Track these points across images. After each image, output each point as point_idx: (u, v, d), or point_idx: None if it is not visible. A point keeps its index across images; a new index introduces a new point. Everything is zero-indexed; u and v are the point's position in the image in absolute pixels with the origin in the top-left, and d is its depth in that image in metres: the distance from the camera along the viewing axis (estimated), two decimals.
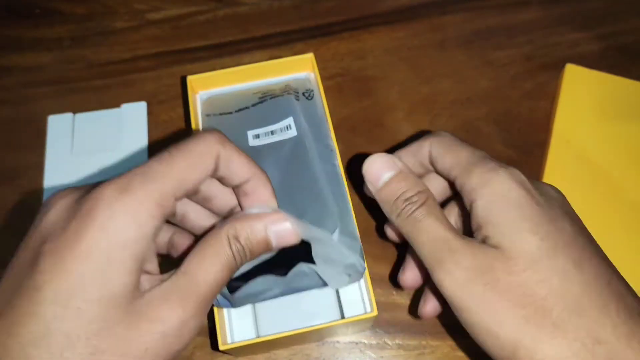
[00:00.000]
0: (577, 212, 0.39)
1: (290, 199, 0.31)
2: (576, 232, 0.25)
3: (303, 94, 0.37)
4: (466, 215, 0.28)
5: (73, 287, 0.19)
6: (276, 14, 0.49)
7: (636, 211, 0.39)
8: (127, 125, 0.44)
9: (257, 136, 0.35)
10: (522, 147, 0.42)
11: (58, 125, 0.44)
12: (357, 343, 0.36)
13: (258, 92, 0.38)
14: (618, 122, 0.41)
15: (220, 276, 0.22)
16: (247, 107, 0.37)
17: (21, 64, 0.47)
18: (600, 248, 0.26)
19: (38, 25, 0.49)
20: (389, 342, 0.36)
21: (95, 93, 0.46)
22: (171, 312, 0.21)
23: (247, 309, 0.33)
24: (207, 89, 0.38)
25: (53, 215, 0.21)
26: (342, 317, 0.32)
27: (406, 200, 0.26)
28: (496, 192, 0.25)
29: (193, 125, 0.36)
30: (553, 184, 0.39)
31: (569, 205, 0.27)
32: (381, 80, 0.46)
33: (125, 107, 0.44)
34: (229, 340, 0.31)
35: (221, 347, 0.29)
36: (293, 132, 0.35)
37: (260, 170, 0.25)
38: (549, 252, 0.24)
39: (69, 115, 0.44)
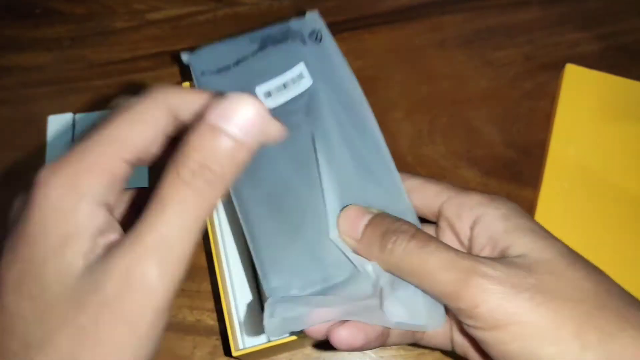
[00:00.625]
0: (576, 212, 0.39)
1: (351, 187, 0.27)
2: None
3: (309, 36, 0.32)
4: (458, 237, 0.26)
5: (24, 273, 0.18)
6: (276, 14, 0.49)
7: (636, 211, 0.39)
8: None
9: (269, 94, 0.30)
10: (522, 147, 0.42)
11: (58, 125, 0.44)
12: None
13: (255, 39, 0.32)
14: (618, 122, 0.41)
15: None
16: (246, 58, 0.31)
17: (21, 64, 0.47)
18: None
19: (38, 25, 0.49)
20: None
21: (95, 93, 0.46)
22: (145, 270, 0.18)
23: (256, 312, 0.32)
24: None
25: (15, 209, 0.21)
26: None
27: (394, 232, 0.23)
28: (506, 206, 0.25)
29: None
30: (553, 184, 0.40)
31: None
32: (381, 80, 0.46)
33: None
34: (240, 346, 0.31)
35: (234, 353, 0.29)
36: (307, 82, 0.30)
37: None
38: (576, 255, 0.23)
39: (69, 115, 0.44)
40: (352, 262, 0.25)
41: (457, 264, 0.22)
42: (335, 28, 0.48)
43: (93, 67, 0.47)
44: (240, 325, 0.32)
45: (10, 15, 0.50)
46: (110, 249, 0.18)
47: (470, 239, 0.25)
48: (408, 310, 0.23)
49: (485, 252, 0.24)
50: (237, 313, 0.32)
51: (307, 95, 0.29)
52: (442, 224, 0.26)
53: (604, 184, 0.39)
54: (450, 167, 0.42)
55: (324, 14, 0.48)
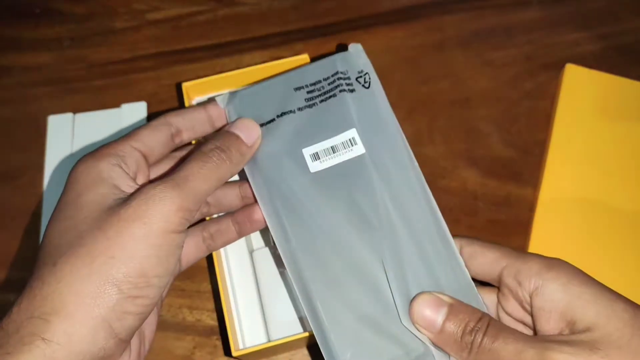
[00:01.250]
0: (577, 212, 0.39)
1: (396, 263, 0.26)
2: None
3: (357, 79, 0.30)
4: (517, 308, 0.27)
5: (64, 205, 0.25)
6: (276, 14, 0.49)
7: (636, 211, 0.39)
8: (127, 125, 0.44)
9: (317, 156, 0.29)
10: (522, 147, 0.42)
11: (58, 125, 0.44)
12: None
13: (301, 88, 0.30)
14: (618, 122, 0.41)
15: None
16: (291, 112, 0.30)
17: (21, 64, 0.47)
18: None
19: (38, 25, 0.49)
20: None
21: (95, 93, 0.46)
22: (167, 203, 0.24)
23: (257, 313, 0.32)
24: (204, 94, 0.38)
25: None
26: None
27: (471, 331, 0.24)
28: (566, 273, 0.24)
29: None
30: (553, 184, 0.39)
31: None
32: (381, 80, 0.45)
33: (125, 107, 0.44)
34: (240, 346, 0.31)
35: (234, 353, 0.29)
36: (360, 149, 0.28)
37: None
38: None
39: (69, 115, 0.44)
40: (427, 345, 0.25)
41: (526, 355, 0.22)
42: (335, 28, 0.48)
43: (93, 67, 0.47)
44: (240, 325, 0.32)
45: (10, 15, 0.50)
46: (142, 187, 0.25)
47: (533, 309, 0.25)
48: None
49: (552, 326, 0.24)
50: (237, 313, 0.32)
51: (364, 159, 0.28)
52: (504, 289, 0.27)
53: (604, 184, 0.39)
54: (450, 167, 0.42)
55: (324, 14, 0.49)
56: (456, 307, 0.25)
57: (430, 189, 0.28)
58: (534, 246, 0.38)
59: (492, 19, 0.48)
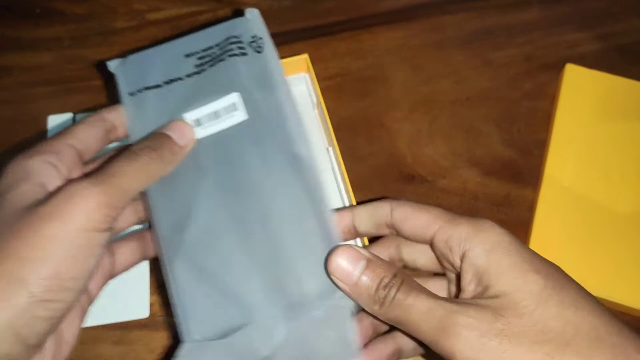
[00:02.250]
0: (577, 212, 0.39)
1: (254, 231, 0.28)
2: (565, 273, 0.25)
3: (250, 43, 0.30)
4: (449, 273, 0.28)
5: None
6: (276, 14, 0.49)
7: (636, 210, 0.39)
8: None
9: (199, 122, 0.29)
10: (522, 147, 0.42)
11: (58, 125, 0.44)
12: None
13: (192, 54, 0.31)
14: (618, 122, 0.41)
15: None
16: (179, 79, 0.30)
17: (21, 64, 0.47)
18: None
19: (38, 25, 0.49)
20: None
21: (95, 93, 0.46)
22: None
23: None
24: None
25: None
26: None
27: (385, 286, 0.25)
28: (490, 240, 0.25)
29: None
30: (553, 184, 0.40)
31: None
32: (381, 80, 0.46)
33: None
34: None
35: None
36: (241, 115, 0.29)
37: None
38: (555, 289, 0.23)
39: (69, 115, 0.44)
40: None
41: (434, 314, 0.23)
42: (335, 28, 0.48)
43: (93, 67, 0.47)
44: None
45: (10, 15, 0.50)
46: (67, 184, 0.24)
47: (460, 272, 0.26)
48: None
49: (470, 290, 0.25)
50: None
51: (246, 125, 0.29)
52: (438, 254, 0.27)
53: (604, 183, 0.39)
54: (450, 167, 0.42)
55: (324, 14, 0.49)
56: (374, 262, 0.25)
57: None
58: (534, 246, 0.38)
59: (492, 19, 0.48)
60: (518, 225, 0.39)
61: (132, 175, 0.26)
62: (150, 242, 0.30)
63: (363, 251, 0.26)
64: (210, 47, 0.31)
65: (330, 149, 0.36)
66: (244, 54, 0.30)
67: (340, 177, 0.34)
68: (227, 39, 0.30)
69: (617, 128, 0.41)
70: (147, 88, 0.30)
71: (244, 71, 0.30)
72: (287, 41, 0.47)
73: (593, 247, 0.38)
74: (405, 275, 0.25)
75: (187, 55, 0.30)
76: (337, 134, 0.35)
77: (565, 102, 0.42)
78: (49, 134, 0.43)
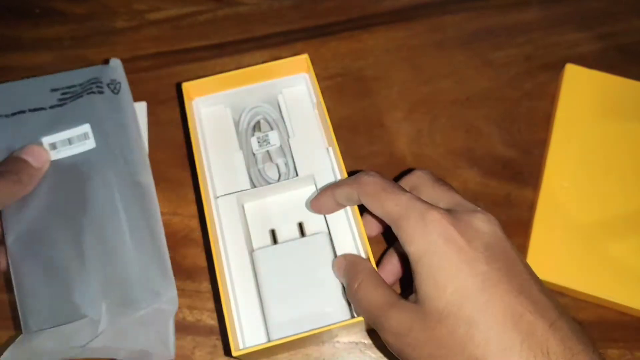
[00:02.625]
0: (577, 212, 0.39)
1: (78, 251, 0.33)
2: (493, 270, 0.25)
3: (108, 85, 0.36)
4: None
5: None
6: (276, 14, 0.49)
7: (636, 210, 0.39)
8: None
9: (54, 146, 0.35)
10: (522, 147, 0.42)
11: None
12: (357, 343, 0.36)
13: (58, 89, 0.37)
14: (618, 122, 0.41)
15: None
16: (43, 109, 0.36)
17: (21, 64, 0.47)
18: (526, 277, 0.26)
19: (38, 25, 0.49)
20: None
21: None
22: None
23: (256, 313, 0.32)
24: (203, 94, 0.38)
25: None
26: (353, 316, 0.32)
27: (349, 282, 0.30)
28: (422, 245, 0.26)
29: (191, 133, 0.35)
30: (553, 184, 0.39)
31: (500, 235, 0.27)
32: (381, 80, 0.46)
33: None
34: (240, 346, 0.31)
35: (234, 353, 0.29)
36: (91, 144, 0.35)
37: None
38: (455, 305, 0.24)
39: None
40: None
41: (374, 312, 0.27)
42: (335, 28, 0.48)
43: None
44: (240, 325, 0.32)
45: (10, 15, 0.50)
46: None
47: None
48: None
49: (414, 286, 0.27)
50: (238, 313, 0.32)
51: (90, 158, 0.35)
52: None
53: (604, 184, 0.39)
54: (450, 167, 0.42)
55: (324, 14, 0.49)
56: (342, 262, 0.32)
57: None
58: (533, 246, 0.38)
59: (492, 19, 0.48)
60: (518, 225, 0.39)
61: None
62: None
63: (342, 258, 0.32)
64: (74, 85, 0.37)
65: (330, 148, 0.36)
66: (101, 93, 0.37)
67: (340, 176, 0.35)
68: (89, 80, 0.37)
69: (617, 128, 0.41)
70: (13, 113, 0.36)
71: (99, 107, 0.36)
72: (287, 41, 0.47)
73: (593, 247, 0.38)
74: (367, 270, 0.30)
75: (53, 90, 0.37)
76: (337, 133, 0.35)
77: (565, 102, 0.42)
78: None
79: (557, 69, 0.45)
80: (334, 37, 0.48)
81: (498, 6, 0.48)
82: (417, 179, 0.31)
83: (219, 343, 0.37)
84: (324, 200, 0.32)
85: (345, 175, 0.33)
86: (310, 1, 0.49)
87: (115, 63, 0.39)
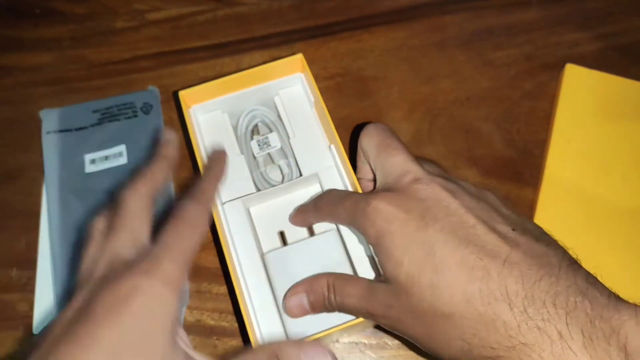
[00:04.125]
0: (577, 212, 0.39)
1: None
2: (437, 232, 0.26)
3: (141, 108, 0.43)
4: None
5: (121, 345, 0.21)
6: (276, 14, 0.49)
7: (636, 211, 0.39)
8: None
9: (93, 161, 0.41)
10: (522, 147, 0.42)
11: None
12: (357, 343, 0.36)
13: (97, 111, 0.43)
14: (618, 122, 0.41)
15: None
16: (85, 128, 0.42)
17: (21, 64, 0.47)
18: (471, 224, 0.26)
19: (38, 25, 0.49)
20: (389, 342, 0.36)
21: (95, 93, 0.46)
22: None
23: (273, 314, 0.32)
24: (200, 102, 0.38)
25: None
26: None
27: (321, 296, 0.30)
28: (373, 233, 0.28)
29: (193, 142, 0.35)
30: (553, 184, 0.39)
31: (439, 195, 0.28)
32: (381, 80, 0.46)
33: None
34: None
35: None
36: (123, 160, 0.41)
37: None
38: (414, 275, 0.26)
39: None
40: None
41: (361, 292, 0.29)
42: (335, 28, 0.48)
43: (93, 67, 0.47)
44: (258, 326, 0.32)
45: (10, 15, 0.50)
46: None
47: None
48: None
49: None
50: (255, 315, 0.32)
51: (126, 167, 0.41)
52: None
53: (604, 183, 0.39)
54: (450, 167, 0.42)
55: (324, 14, 0.49)
56: (310, 287, 0.31)
57: None
58: None
59: (492, 19, 0.48)
60: None
61: None
62: None
63: (299, 287, 0.31)
64: (111, 107, 0.43)
65: (332, 146, 0.36)
66: (135, 117, 0.43)
67: (345, 172, 0.35)
68: (125, 104, 0.43)
69: (617, 128, 0.41)
70: (61, 131, 0.42)
71: (132, 129, 0.42)
72: (287, 41, 0.47)
73: (593, 247, 0.38)
74: (335, 284, 0.30)
75: (94, 112, 0.43)
76: (337, 133, 0.35)
77: (565, 102, 0.42)
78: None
79: (557, 69, 0.45)
80: (334, 37, 0.48)
81: (498, 6, 0.48)
82: (367, 145, 0.32)
83: (220, 343, 0.37)
84: (298, 222, 0.35)
85: (352, 171, 0.33)
86: (310, 1, 0.49)
87: (153, 89, 0.44)
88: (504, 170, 0.42)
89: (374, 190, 0.30)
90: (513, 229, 0.26)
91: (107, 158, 0.41)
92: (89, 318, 0.21)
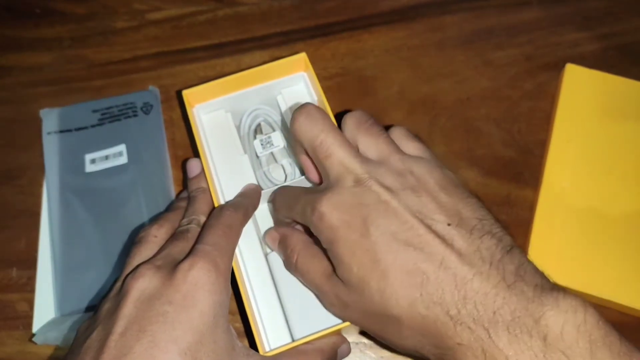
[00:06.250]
0: (577, 212, 0.39)
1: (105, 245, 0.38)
2: (379, 235, 0.27)
3: (142, 109, 0.43)
4: None
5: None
6: (276, 14, 0.49)
7: (637, 210, 0.39)
8: None
9: (94, 161, 0.41)
10: (522, 147, 0.42)
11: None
12: (357, 343, 0.36)
13: (97, 111, 0.43)
14: (618, 122, 0.41)
15: None
16: (86, 128, 0.42)
17: (21, 64, 0.48)
18: (408, 221, 0.27)
19: (38, 25, 0.49)
20: None
21: (95, 93, 0.46)
22: None
23: (278, 314, 0.32)
24: (203, 101, 0.38)
25: None
26: None
27: (286, 256, 0.32)
28: (323, 239, 0.28)
29: (197, 141, 0.35)
30: (553, 184, 0.39)
31: (376, 198, 0.28)
32: (381, 80, 0.46)
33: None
34: (266, 348, 0.31)
35: (262, 354, 0.30)
36: (124, 159, 0.41)
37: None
38: (363, 279, 0.27)
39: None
40: None
41: (318, 268, 0.30)
42: (335, 28, 0.48)
43: (93, 67, 0.47)
44: (263, 326, 0.32)
45: (10, 15, 0.50)
46: None
47: None
48: None
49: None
50: (260, 315, 0.32)
51: (122, 170, 0.41)
52: None
53: (604, 184, 0.39)
54: (451, 167, 0.42)
55: (324, 14, 0.49)
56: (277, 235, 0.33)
57: None
58: (534, 246, 0.38)
59: (492, 19, 0.48)
60: (518, 225, 0.39)
61: None
62: None
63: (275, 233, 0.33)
64: (111, 107, 0.43)
65: None
66: (135, 116, 0.43)
67: None
68: (125, 104, 0.43)
69: (617, 128, 0.41)
70: (61, 131, 0.42)
71: (133, 129, 0.42)
72: (287, 41, 0.47)
73: (593, 247, 0.38)
74: (303, 245, 0.31)
75: (94, 111, 0.43)
76: None
77: (565, 102, 0.42)
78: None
79: (557, 69, 0.45)
80: (334, 37, 0.48)
81: (498, 6, 0.48)
82: (301, 143, 0.31)
83: None
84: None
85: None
86: (311, 1, 0.49)
87: (153, 89, 0.45)
88: (504, 171, 0.42)
89: (320, 189, 0.30)
90: (449, 224, 0.26)
91: (107, 158, 0.41)
92: (159, 320, 0.25)
